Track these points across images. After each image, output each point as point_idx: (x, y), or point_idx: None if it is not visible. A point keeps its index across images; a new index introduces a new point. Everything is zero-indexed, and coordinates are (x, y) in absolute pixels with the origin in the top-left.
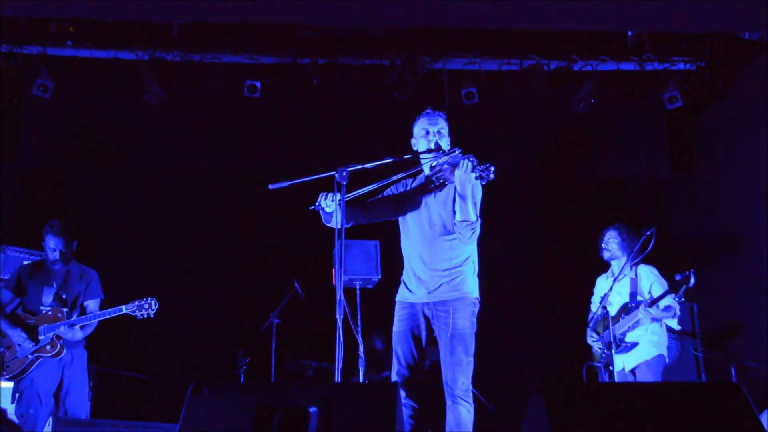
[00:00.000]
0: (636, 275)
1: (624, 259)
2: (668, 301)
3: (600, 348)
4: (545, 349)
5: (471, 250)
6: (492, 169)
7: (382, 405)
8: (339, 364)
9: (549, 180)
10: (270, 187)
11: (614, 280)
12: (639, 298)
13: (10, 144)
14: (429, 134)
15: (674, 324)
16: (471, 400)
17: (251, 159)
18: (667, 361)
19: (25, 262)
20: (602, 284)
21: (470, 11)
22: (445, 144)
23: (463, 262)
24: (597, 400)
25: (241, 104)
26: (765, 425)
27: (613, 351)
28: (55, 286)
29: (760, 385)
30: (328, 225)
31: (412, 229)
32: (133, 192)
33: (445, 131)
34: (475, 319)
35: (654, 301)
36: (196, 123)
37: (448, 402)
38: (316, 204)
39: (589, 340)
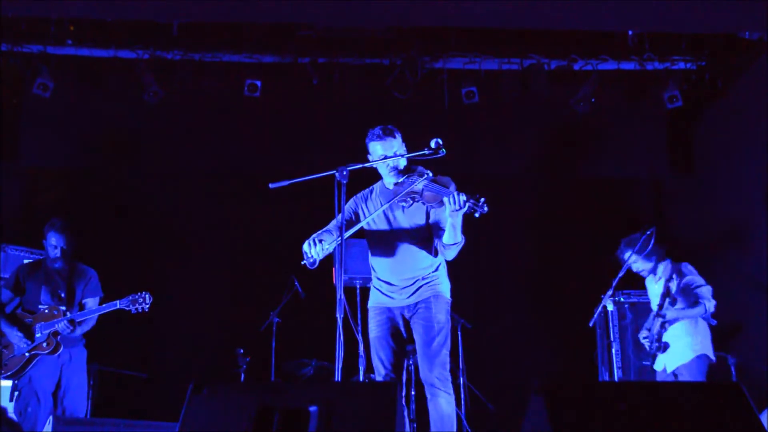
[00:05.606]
0: (671, 276)
1: (654, 263)
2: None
3: (648, 345)
4: (545, 348)
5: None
6: (482, 200)
7: (382, 405)
8: (339, 364)
9: (549, 180)
10: (270, 186)
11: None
12: (668, 298)
13: (10, 144)
14: (388, 159)
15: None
16: (450, 390)
17: (251, 158)
18: (713, 359)
19: (25, 261)
20: (650, 287)
21: (470, 11)
22: (402, 165)
23: (438, 266)
24: (597, 400)
25: (241, 103)
26: (765, 425)
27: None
28: (53, 284)
29: (760, 385)
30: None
31: (386, 241)
32: (133, 191)
33: (401, 151)
34: (449, 317)
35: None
36: (197, 122)
37: (428, 396)
38: (306, 259)
39: (640, 336)
